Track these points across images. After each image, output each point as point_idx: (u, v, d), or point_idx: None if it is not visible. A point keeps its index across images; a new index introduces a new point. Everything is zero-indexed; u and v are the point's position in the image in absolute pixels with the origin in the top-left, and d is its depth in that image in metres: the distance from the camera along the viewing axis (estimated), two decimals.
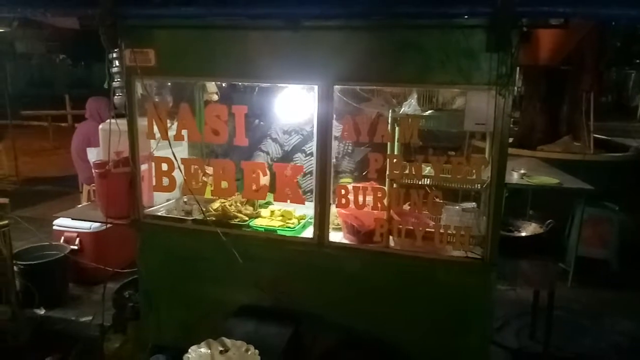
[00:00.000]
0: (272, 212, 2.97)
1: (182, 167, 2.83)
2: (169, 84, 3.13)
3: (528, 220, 3.43)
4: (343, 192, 2.59)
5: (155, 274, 2.99)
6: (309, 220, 2.88)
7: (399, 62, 2.38)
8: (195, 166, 2.83)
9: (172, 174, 2.84)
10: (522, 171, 4.69)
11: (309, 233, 2.75)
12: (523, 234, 3.12)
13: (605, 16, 2.70)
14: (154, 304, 3.01)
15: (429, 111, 2.68)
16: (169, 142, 2.76)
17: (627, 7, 2.12)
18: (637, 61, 19.30)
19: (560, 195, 4.50)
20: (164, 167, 2.83)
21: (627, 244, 4.54)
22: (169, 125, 2.79)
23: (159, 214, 3.06)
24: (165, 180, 2.85)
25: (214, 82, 3.42)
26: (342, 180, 3.32)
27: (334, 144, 3.46)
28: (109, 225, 3.18)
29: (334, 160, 3.52)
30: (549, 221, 3.28)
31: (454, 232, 2.39)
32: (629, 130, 14.51)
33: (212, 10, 2.49)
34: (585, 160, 6.61)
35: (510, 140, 8.19)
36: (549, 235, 3.22)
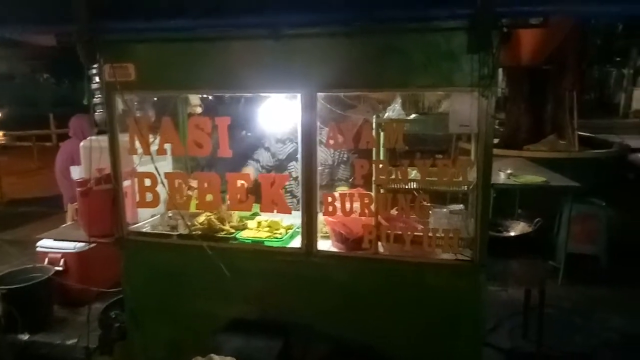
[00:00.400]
0: (259, 223, 2.93)
1: (165, 181, 2.78)
2: (152, 98, 3.10)
3: (516, 219, 3.43)
4: (330, 199, 2.56)
5: (141, 292, 2.92)
6: (297, 229, 2.84)
7: (381, 67, 2.37)
8: (179, 180, 2.79)
9: (156, 189, 2.79)
10: (509, 171, 4.71)
11: (297, 243, 2.71)
12: (512, 234, 3.12)
13: (585, 13, 2.73)
14: (141, 322, 2.94)
15: (414, 115, 2.67)
16: (152, 157, 2.71)
17: (607, 4, 2.13)
18: (618, 59, 19.70)
19: (548, 194, 4.53)
20: (147, 182, 2.78)
21: (615, 239, 4.57)
22: (151, 139, 2.75)
23: (144, 230, 3.00)
24: (149, 196, 2.80)
25: (196, 95, 3.39)
26: (338, 189, 3.30)
27: (329, 152, 3.50)
28: (93, 245, 3.11)
29: (328, 169, 3.54)
30: (537, 220, 3.28)
31: (443, 235, 2.37)
32: (612, 127, 14.73)
33: (196, 22, 2.47)
34: (570, 158, 6.67)
35: (496, 141, 8.31)
36: (538, 233, 3.22)
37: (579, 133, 7.69)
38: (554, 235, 4.59)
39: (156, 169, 2.74)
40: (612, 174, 6.87)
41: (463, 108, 2.30)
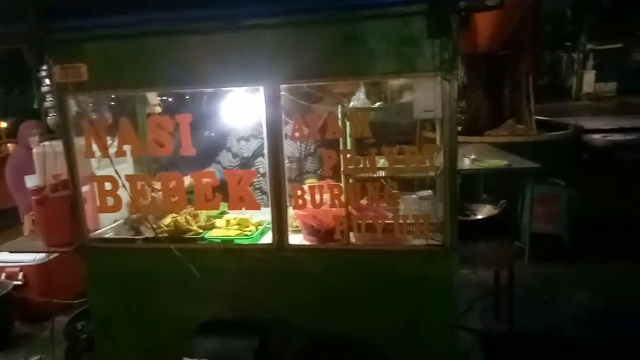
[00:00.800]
0: (228, 221, 2.86)
1: (127, 184, 2.67)
2: (107, 99, 2.97)
3: (483, 203, 3.51)
4: (299, 193, 2.53)
5: (108, 300, 2.80)
6: (268, 226, 2.79)
7: (343, 56, 2.35)
8: (142, 182, 2.68)
9: (117, 192, 2.68)
10: (473, 157, 4.82)
11: (268, 239, 2.66)
12: (479, 217, 3.17)
13: None
14: (109, 332, 2.82)
15: (378, 103, 2.67)
16: (111, 160, 2.60)
17: None
18: (568, 44, 20.51)
19: (511, 176, 4.66)
20: (108, 186, 2.66)
21: (576, 217, 4.75)
22: (109, 142, 2.64)
23: (107, 236, 2.88)
24: (110, 200, 2.68)
25: (155, 94, 3.28)
26: (307, 181, 3.27)
27: (296, 145, 3.46)
28: (54, 255, 2.97)
29: (295, 162, 3.50)
30: (502, 202, 3.36)
31: (413, 221, 2.38)
32: (566, 110, 15.36)
33: (149, 16, 2.37)
34: (529, 142, 6.91)
35: (459, 128, 8.47)
36: (504, 215, 3.30)
37: (536, 117, 7.97)
38: (519, 216, 4.73)
39: (116, 172, 2.63)
40: (568, 155, 7.16)
41: (426, 93, 2.31)
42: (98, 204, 2.70)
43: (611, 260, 4.59)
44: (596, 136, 11.08)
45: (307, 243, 2.64)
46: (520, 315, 3.48)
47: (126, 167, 3.01)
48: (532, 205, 4.56)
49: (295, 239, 2.65)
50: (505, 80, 7.85)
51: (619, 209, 5.82)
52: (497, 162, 4.58)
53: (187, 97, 3.35)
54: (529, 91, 7.76)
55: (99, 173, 2.69)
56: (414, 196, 2.64)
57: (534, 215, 4.57)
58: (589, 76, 21.77)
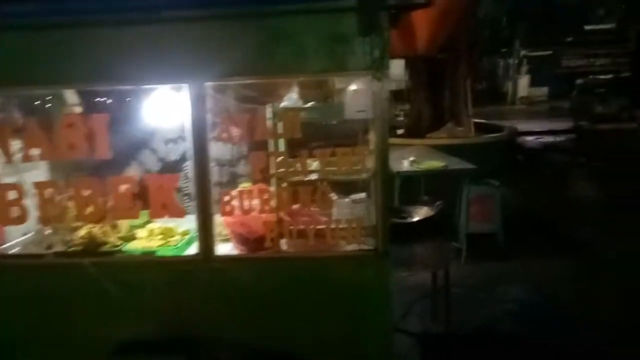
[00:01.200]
0: (151, 231, 2.65)
1: (34, 192, 2.40)
2: (14, 98, 2.67)
3: (419, 205, 3.49)
4: (227, 198, 2.37)
5: (12, 324, 2.49)
6: (195, 234, 2.61)
7: (271, 53, 2.23)
8: (52, 190, 2.42)
9: (23, 202, 2.39)
10: (412, 158, 4.86)
11: (195, 249, 2.47)
12: (415, 219, 3.15)
13: None
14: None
15: (311, 103, 2.56)
16: (16, 165, 2.33)
17: None
18: (504, 50, 21.54)
19: (449, 178, 4.73)
20: (11, 195, 2.38)
21: (510, 216, 4.89)
22: (17, 145, 2.36)
23: (11, 252, 2.58)
24: (15, 211, 2.40)
25: (74, 94, 3.00)
26: (241, 185, 3.09)
27: (228, 147, 3.28)
28: None
29: (227, 165, 3.31)
30: (438, 203, 3.36)
31: (346, 225, 2.29)
32: (502, 113, 16.08)
33: (52, 6, 2.13)
34: (467, 144, 7.11)
35: (402, 131, 8.60)
36: (440, 216, 3.29)
37: (475, 120, 8.24)
38: (456, 216, 4.80)
39: (21, 179, 2.36)
40: (504, 156, 7.43)
41: (358, 93, 2.24)
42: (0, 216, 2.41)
43: (542, 256, 4.77)
44: (529, 138, 11.63)
45: (236, 252, 2.48)
46: (457, 316, 3.51)
47: (39, 173, 2.73)
48: (469, 206, 4.65)
49: (225, 248, 2.48)
50: (445, 83, 8.05)
51: (549, 207, 6.09)
52: (435, 163, 4.64)
53: (104, 98, 3.08)
54: (467, 95, 8.01)
55: (4, 180, 2.40)
56: (348, 200, 2.56)
57: (470, 215, 4.66)
58: (523, 81, 23.03)
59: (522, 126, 11.37)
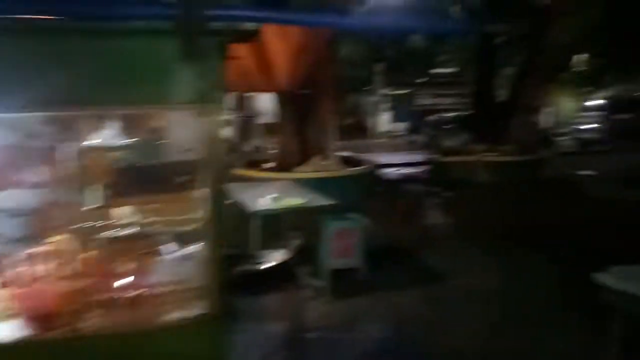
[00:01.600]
0: None
1: None
2: None
3: (277, 247, 3.23)
4: (9, 263, 1.81)
5: None
6: None
7: (72, 78, 1.79)
8: None
9: None
10: (274, 195, 4.62)
11: None
12: (268, 265, 2.86)
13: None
14: None
15: (125, 141, 2.13)
16: None
17: None
18: (366, 88, 23.31)
19: (311, 214, 4.59)
20: None
21: (370, 248, 4.89)
22: None
23: None
24: None
25: None
26: (50, 240, 2.47)
27: (35, 192, 2.64)
28: None
29: (32, 215, 2.66)
30: (295, 244, 3.13)
31: (171, 288, 1.89)
32: (366, 146, 17.05)
33: None
34: (331, 177, 7.20)
35: (272, 164, 8.46)
36: (299, 257, 3.07)
37: (340, 154, 8.43)
38: (318, 254, 4.65)
39: None
40: (366, 188, 7.69)
41: (183, 129, 1.90)
42: None
43: (401, 288, 4.83)
44: (389, 170, 12.35)
45: (24, 333, 1.89)
46: None
47: None
48: (330, 242, 4.54)
49: (11, 328, 1.88)
50: (311, 118, 8.14)
51: (407, 237, 6.32)
52: (295, 200, 4.47)
53: None
54: (332, 129, 8.19)
55: None
56: (172, 256, 2.14)
57: (331, 251, 4.54)
58: (385, 117, 25.13)
59: (383, 158, 12.00)
